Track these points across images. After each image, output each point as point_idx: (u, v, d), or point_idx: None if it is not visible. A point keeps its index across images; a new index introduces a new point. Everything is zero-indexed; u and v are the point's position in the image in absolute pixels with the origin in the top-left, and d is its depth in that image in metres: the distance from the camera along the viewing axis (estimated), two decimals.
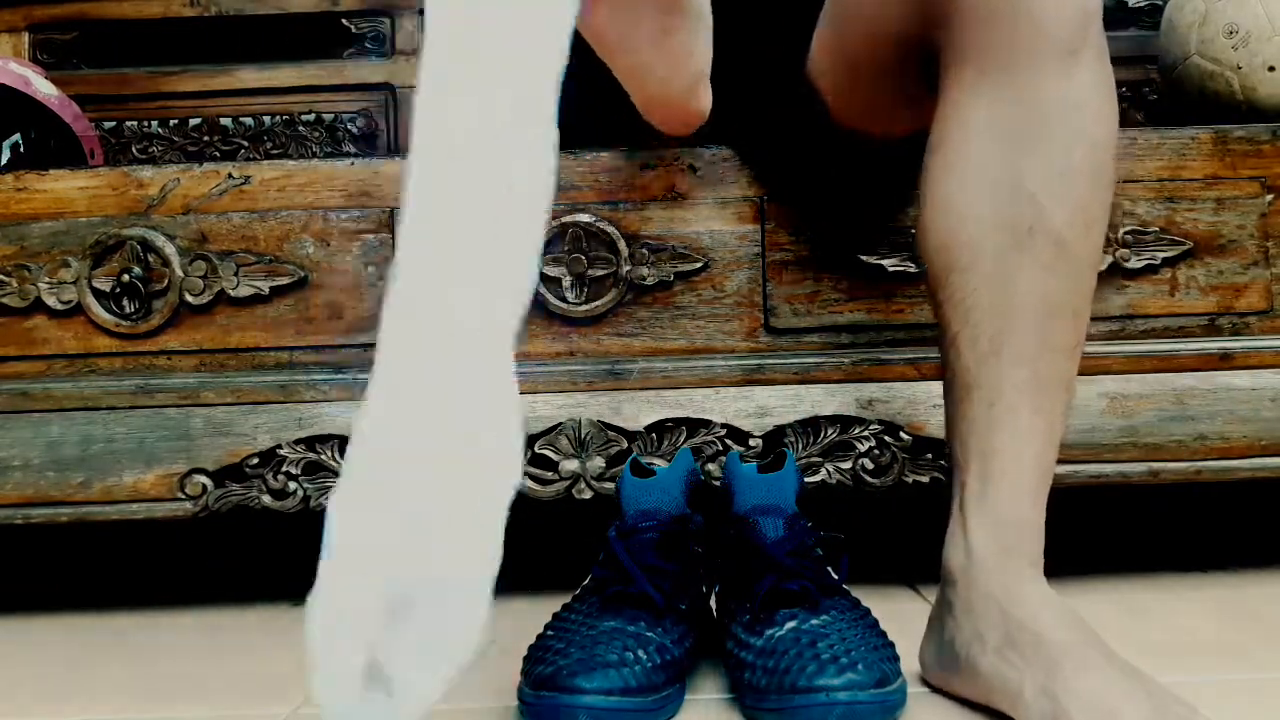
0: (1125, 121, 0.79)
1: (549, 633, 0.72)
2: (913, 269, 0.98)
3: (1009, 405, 0.71)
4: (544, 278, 0.98)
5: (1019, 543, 0.70)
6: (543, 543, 1.25)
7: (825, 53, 0.88)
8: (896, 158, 0.92)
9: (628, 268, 0.98)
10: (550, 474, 0.97)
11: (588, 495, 0.97)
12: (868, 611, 0.74)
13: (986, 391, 0.71)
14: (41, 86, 1.19)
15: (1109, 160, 0.72)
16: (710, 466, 0.96)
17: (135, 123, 1.50)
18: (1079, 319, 0.73)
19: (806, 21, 0.90)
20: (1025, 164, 0.71)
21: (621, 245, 0.98)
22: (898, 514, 1.13)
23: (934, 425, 0.96)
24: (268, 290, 0.99)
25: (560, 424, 0.97)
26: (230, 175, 1.00)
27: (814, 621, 0.69)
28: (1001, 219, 0.71)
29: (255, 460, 0.98)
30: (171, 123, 1.50)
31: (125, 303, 0.99)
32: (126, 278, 0.98)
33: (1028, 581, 0.69)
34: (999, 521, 0.70)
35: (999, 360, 0.71)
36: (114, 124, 1.49)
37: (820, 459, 0.97)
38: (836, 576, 0.77)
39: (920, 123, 0.80)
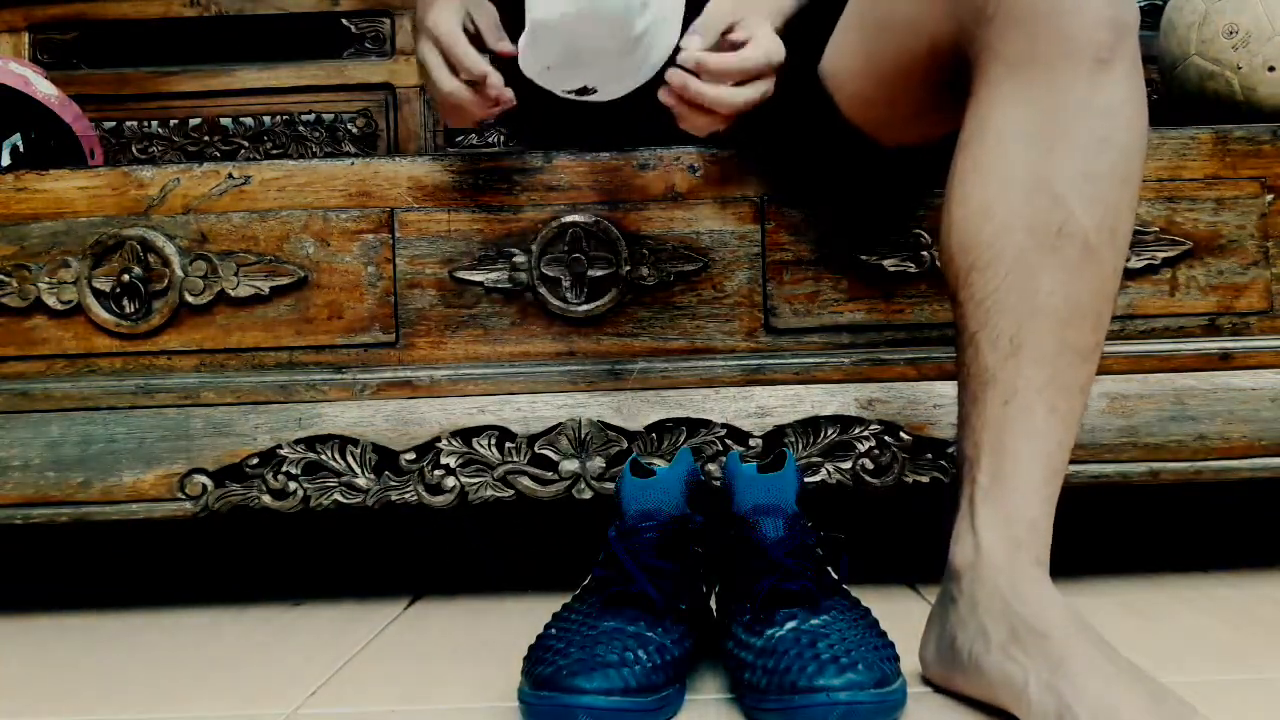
0: None
1: (549, 633, 0.72)
2: (913, 269, 0.98)
3: (1025, 404, 0.71)
4: (544, 278, 0.98)
5: (1027, 541, 0.70)
6: (543, 543, 1.25)
7: (847, 57, 0.88)
8: (902, 160, 0.92)
9: (628, 268, 0.98)
10: (550, 474, 0.97)
11: (588, 495, 0.97)
12: (868, 611, 0.74)
13: (1003, 390, 0.71)
14: (41, 86, 1.19)
15: (1137, 168, 0.72)
16: (710, 466, 0.96)
17: (135, 123, 1.50)
18: (1100, 322, 0.73)
19: (815, 24, 0.90)
20: (1055, 166, 0.71)
21: (621, 245, 0.98)
22: (898, 514, 1.13)
23: (934, 425, 0.96)
24: (268, 290, 0.99)
25: (560, 424, 0.97)
26: (230, 175, 1.00)
27: (814, 621, 0.69)
28: (1028, 219, 0.71)
29: (255, 460, 0.98)
30: (171, 123, 1.50)
31: (125, 303, 0.99)
32: (126, 278, 0.98)
33: (1034, 580, 0.69)
34: (1009, 519, 0.70)
35: (1018, 360, 0.71)
36: (114, 124, 1.49)
37: (820, 459, 0.97)
38: (836, 576, 0.77)
39: (939, 130, 0.80)
